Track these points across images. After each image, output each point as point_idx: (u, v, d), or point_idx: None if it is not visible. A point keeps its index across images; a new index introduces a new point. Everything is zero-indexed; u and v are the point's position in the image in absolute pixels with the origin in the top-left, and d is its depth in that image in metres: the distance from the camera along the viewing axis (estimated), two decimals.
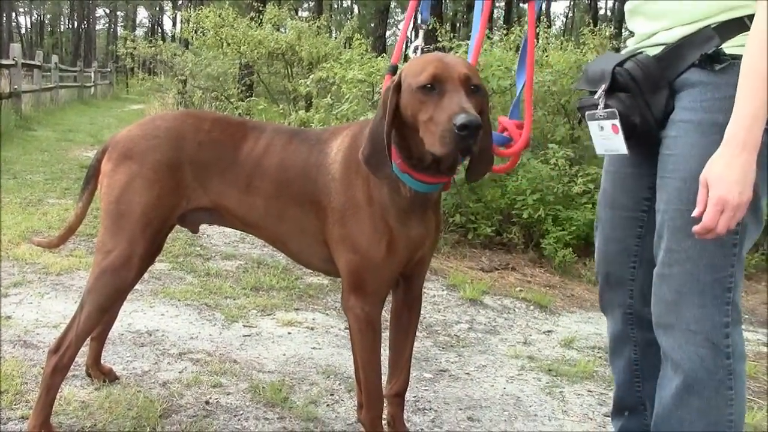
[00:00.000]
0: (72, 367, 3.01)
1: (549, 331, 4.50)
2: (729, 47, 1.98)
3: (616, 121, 2.12)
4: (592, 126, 2.20)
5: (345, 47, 13.28)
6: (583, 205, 6.49)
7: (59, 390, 2.78)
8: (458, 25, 24.32)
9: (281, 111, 10.47)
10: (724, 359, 2.07)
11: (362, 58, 8.44)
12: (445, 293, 4.97)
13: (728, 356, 2.07)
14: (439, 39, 8.34)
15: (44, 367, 2.52)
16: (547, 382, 3.60)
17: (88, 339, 2.85)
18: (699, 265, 2.04)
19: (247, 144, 2.56)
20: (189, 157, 2.53)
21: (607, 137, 2.16)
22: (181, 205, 2.55)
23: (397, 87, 2.19)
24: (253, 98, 12.85)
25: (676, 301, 2.09)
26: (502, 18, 25.29)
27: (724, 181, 1.85)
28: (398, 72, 2.25)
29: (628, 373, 2.46)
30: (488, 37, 7.34)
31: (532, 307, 4.97)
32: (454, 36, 8.37)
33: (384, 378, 2.61)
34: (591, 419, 3.17)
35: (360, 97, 7.43)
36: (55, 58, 21.79)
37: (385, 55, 9.28)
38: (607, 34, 9.31)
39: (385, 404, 2.59)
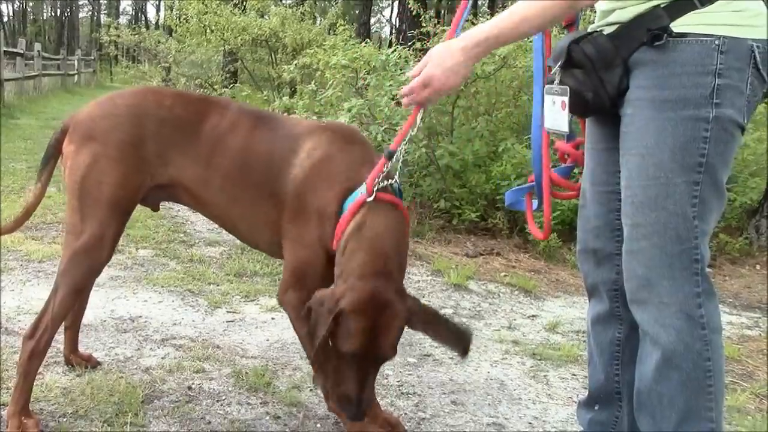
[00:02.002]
0: (53, 353, 3.01)
1: (533, 316, 4.50)
2: (678, 26, 2.01)
3: (566, 98, 2.18)
4: (547, 101, 2.27)
5: (329, 33, 13.24)
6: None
7: (40, 376, 2.78)
8: (443, 12, 24.25)
9: (265, 97, 10.44)
10: (699, 330, 2.08)
11: (346, 44, 8.42)
12: (429, 279, 4.97)
13: (703, 327, 2.08)
14: (423, 24, 8.30)
15: (20, 353, 2.50)
16: (532, 366, 3.60)
17: (62, 328, 2.82)
18: (665, 237, 2.06)
19: (210, 120, 2.56)
20: (151, 133, 2.51)
21: (557, 113, 2.23)
22: (146, 182, 2.54)
23: (335, 317, 2.17)
24: (237, 85, 12.81)
25: (646, 275, 2.10)
26: (486, 4, 25.24)
27: (440, 66, 2.18)
28: (338, 305, 2.17)
29: (609, 356, 2.43)
30: (472, 23, 7.31)
31: (516, 292, 4.97)
32: (438, 22, 8.31)
33: None
34: (575, 402, 3.16)
35: (344, 83, 7.40)
36: (38, 46, 21.57)
37: (369, 41, 9.23)
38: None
39: None
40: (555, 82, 2.21)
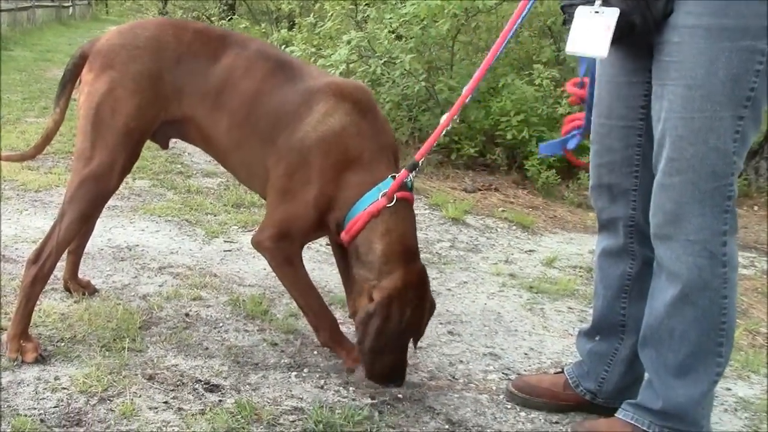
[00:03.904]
0: (51, 280, 3.00)
1: (531, 251, 4.51)
2: None
3: (613, 20, 2.04)
4: (580, 23, 2.12)
5: None
6: None
7: (38, 302, 2.77)
8: None
9: (263, 30, 10.30)
10: (720, 268, 2.08)
11: None
12: (427, 212, 4.95)
13: (724, 265, 2.08)
14: None
15: (23, 278, 2.50)
16: (528, 299, 3.61)
17: (65, 253, 2.82)
18: (701, 173, 2.03)
19: (227, 59, 2.55)
20: (169, 67, 2.53)
21: (595, 36, 2.08)
22: (159, 116, 2.55)
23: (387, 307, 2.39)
24: (235, 17, 12.63)
25: (675, 211, 2.08)
26: None
27: None
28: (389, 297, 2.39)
29: (616, 290, 2.42)
30: None
31: (514, 227, 4.97)
32: None
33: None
34: (571, 335, 3.19)
35: (343, 16, 7.30)
36: None
37: None
38: None
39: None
40: (597, 2, 2.08)
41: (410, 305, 2.41)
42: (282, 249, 2.52)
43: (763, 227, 5.77)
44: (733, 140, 2.00)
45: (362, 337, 2.41)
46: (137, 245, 3.63)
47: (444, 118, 2.45)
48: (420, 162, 2.49)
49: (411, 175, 2.48)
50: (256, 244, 2.56)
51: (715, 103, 1.98)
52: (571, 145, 2.48)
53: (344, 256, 2.63)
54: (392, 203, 2.42)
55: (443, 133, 2.47)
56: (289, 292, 2.64)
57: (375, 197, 2.43)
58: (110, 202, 4.16)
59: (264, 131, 2.51)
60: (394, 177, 2.45)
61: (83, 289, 2.97)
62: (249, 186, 2.78)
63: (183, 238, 3.82)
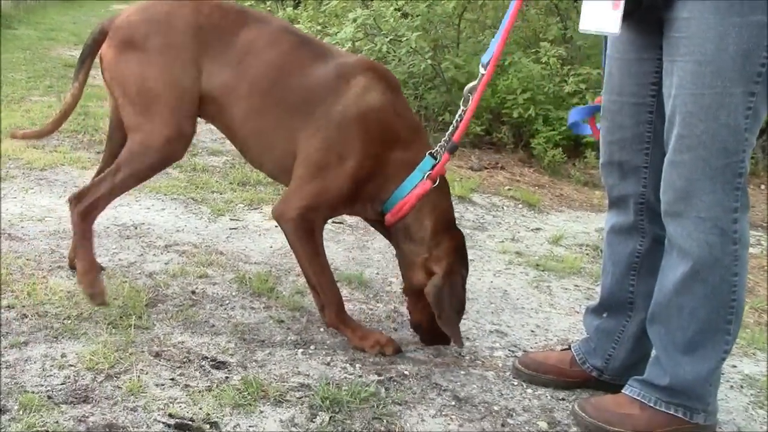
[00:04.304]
0: (56, 258, 3.02)
1: (537, 229, 4.50)
2: None
3: None
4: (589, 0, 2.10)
5: None
6: (574, 105, 6.41)
7: (44, 280, 2.79)
8: None
9: (269, 8, 10.24)
10: (731, 245, 2.07)
11: None
12: None
13: (735, 242, 2.07)
14: None
15: (71, 216, 2.61)
16: (535, 277, 3.61)
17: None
18: (711, 150, 2.01)
19: (248, 32, 2.59)
20: (189, 39, 2.57)
21: (603, 12, 2.06)
22: (196, 84, 2.58)
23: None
24: None
25: (686, 188, 2.06)
26: None
27: None
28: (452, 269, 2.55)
29: (625, 267, 2.41)
30: None
31: (520, 206, 4.96)
32: None
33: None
34: (577, 313, 3.19)
35: None
36: None
37: None
38: None
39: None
40: None
41: (463, 267, 2.59)
42: (307, 221, 2.52)
43: None
44: (744, 116, 1.98)
45: (441, 309, 2.51)
46: (143, 223, 3.62)
47: (470, 90, 2.50)
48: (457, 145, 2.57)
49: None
50: (279, 214, 2.55)
51: (725, 79, 1.97)
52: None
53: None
54: (436, 183, 2.53)
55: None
56: (302, 267, 2.62)
57: (419, 178, 2.53)
58: None
59: (292, 103, 2.54)
60: (431, 155, 2.54)
61: None
62: (258, 162, 2.76)
63: (189, 216, 3.82)
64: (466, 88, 2.51)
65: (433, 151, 2.56)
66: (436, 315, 2.51)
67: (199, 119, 2.69)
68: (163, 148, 2.56)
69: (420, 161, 2.56)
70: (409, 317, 2.73)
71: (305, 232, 2.53)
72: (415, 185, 2.53)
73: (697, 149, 2.02)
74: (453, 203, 2.70)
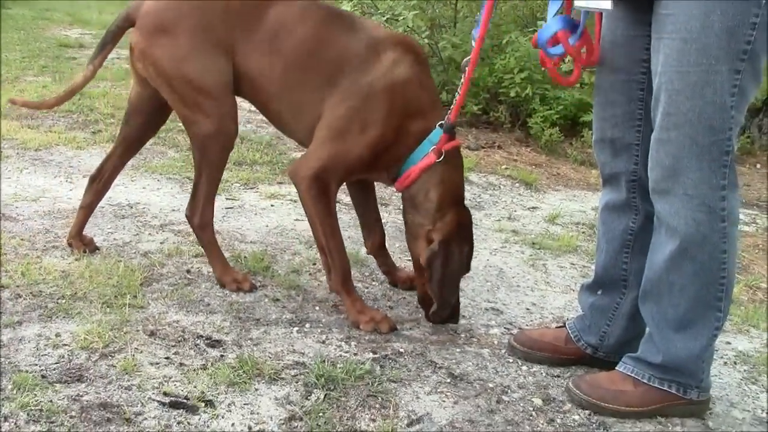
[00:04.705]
0: (51, 238, 3.02)
1: (534, 208, 4.50)
2: None
3: None
4: None
5: None
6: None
7: (38, 260, 2.80)
8: None
9: None
10: (719, 223, 2.07)
11: None
12: None
13: (723, 219, 2.07)
14: None
15: (195, 233, 2.83)
16: (531, 255, 3.61)
17: (77, 209, 3.00)
18: (698, 128, 2.01)
19: (277, 8, 2.64)
20: (218, 19, 2.62)
21: None
22: (230, 61, 2.63)
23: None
24: None
25: (673, 165, 2.06)
26: None
27: None
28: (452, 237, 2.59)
29: (619, 244, 2.41)
30: None
31: (517, 185, 4.96)
32: None
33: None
34: (573, 290, 3.19)
35: None
36: None
37: None
38: None
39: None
40: None
41: (464, 243, 2.64)
42: (322, 181, 2.56)
43: (766, 185, 5.75)
44: (730, 94, 1.98)
45: (431, 274, 2.56)
46: (138, 203, 3.62)
47: (466, 64, 2.52)
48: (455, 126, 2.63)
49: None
50: (295, 173, 2.60)
51: (710, 57, 1.96)
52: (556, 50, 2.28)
53: (358, 187, 2.91)
54: (441, 158, 2.56)
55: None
56: (312, 228, 2.63)
57: (426, 151, 2.58)
58: None
59: (325, 74, 2.59)
60: (441, 125, 2.59)
61: (85, 246, 2.96)
62: (290, 130, 2.81)
63: (184, 195, 3.80)
64: (464, 61, 2.53)
65: (443, 121, 2.61)
66: (428, 279, 2.57)
67: None
68: (217, 133, 2.64)
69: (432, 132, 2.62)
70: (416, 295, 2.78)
71: (319, 191, 2.56)
72: (422, 157, 2.59)
73: (684, 127, 2.02)
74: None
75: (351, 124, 2.55)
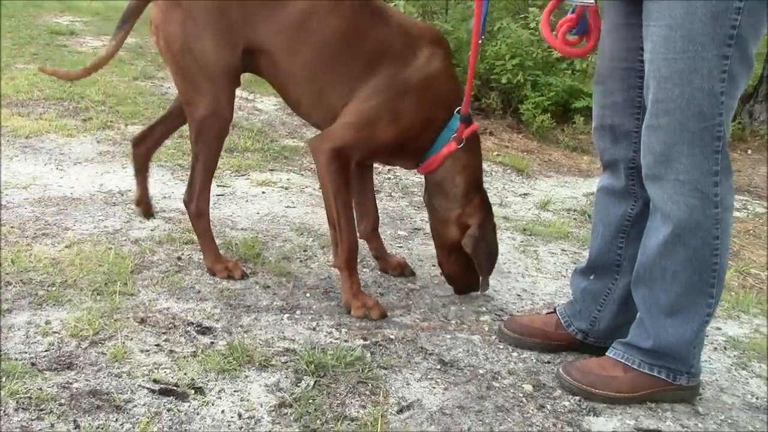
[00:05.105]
0: (41, 225, 3.01)
1: (525, 194, 4.50)
2: None
3: None
4: None
5: None
6: (562, 71, 6.40)
7: (28, 248, 2.78)
8: None
9: None
10: (712, 209, 2.07)
11: None
12: None
13: (716, 205, 2.07)
14: None
15: (189, 218, 2.83)
16: (522, 241, 3.61)
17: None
18: (687, 114, 2.01)
19: None
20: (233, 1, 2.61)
21: None
22: (239, 42, 2.63)
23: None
24: None
25: (664, 152, 2.06)
26: None
27: None
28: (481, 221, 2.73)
29: (615, 229, 2.41)
30: None
31: (509, 171, 4.96)
32: None
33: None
34: (564, 276, 3.20)
35: None
36: None
37: None
38: None
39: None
40: None
41: (492, 221, 2.80)
42: (342, 156, 2.59)
43: (757, 171, 5.77)
44: (720, 80, 1.97)
45: (478, 258, 2.70)
46: (129, 190, 3.60)
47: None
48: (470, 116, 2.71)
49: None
50: (316, 146, 2.63)
51: (696, 43, 1.95)
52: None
53: (362, 183, 2.97)
54: (462, 144, 2.67)
55: None
56: (326, 202, 2.64)
57: (447, 138, 2.69)
58: (102, 148, 4.20)
59: (358, 67, 2.62)
60: (458, 112, 2.67)
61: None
62: (306, 113, 2.82)
63: (176, 182, 3.80)
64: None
65: (459, 107, 2.68)
66: (476, 264, 2.71)
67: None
68: (212, 115, 2.65)
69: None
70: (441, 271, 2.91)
71: (338, 166, 2.59)
72: (444, 144, 2.70)
73: (674, 113, 2.02)
74: None
75: (382, 114, 2.60)
